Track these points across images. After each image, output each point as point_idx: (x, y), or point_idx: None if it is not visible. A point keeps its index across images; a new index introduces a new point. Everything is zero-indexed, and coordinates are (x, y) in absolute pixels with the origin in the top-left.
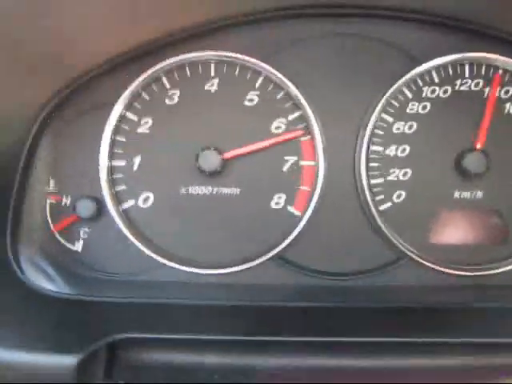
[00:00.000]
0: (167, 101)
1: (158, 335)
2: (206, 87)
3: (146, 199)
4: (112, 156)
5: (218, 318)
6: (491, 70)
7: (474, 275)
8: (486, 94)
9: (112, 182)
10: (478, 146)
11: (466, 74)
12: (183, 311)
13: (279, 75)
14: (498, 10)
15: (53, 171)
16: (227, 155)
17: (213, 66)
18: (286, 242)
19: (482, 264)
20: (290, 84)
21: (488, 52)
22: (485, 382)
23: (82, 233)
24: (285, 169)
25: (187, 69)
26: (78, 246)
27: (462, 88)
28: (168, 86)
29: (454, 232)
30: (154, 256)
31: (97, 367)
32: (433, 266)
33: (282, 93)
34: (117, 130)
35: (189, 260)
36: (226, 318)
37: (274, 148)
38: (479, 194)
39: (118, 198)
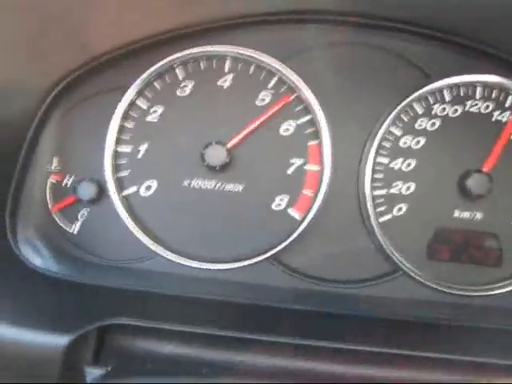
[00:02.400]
0: (178, 92)
1: (149, 324)
2: (219, 82)
3: (148, 188)
4: (118, 141)
5: (208, 311)
6: (502, 94)
7: (465, 295)
8: (494, 118)
9: (116, 167)
10: (485, 169)
11: (477, 96)
12: (174, 302)
13: (294, 77)
14: None
15: (58, 150)
16: (230, 144)
17: (228, 61)
18: (284, 244)
19: (475, 285)
20: (303, 87)
21: (502, 76)
22: None
23: (80, 215)
24: (290, 171)
25: (202, 62)
26: (75, 228)
27: (471, 109)
28: (181, 77)
29: (451, 250)
30: (150, 245)
31: (85, 350)
32: (426, 282)
33: (294, 95)
34: (126, 116)
35: (184, 252)
36: (217, 313)
37: (281, 149)
38: (479, 215)
39: (120, 184)
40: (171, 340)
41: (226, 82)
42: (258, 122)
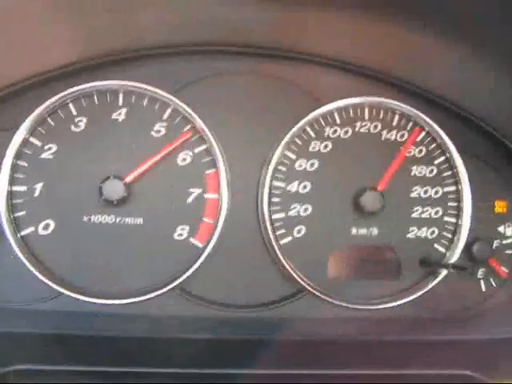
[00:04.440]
0: (73, 128)
1: (51, 367)
2: (114, 116)
3: (46, 226)
4: (12, 181)
5: (117, 348)
6: (388, 114)
7: (368, 309)
8: (383, 137)
9: (11, 208)
10: (380, 188)
11: (366, 117)
12: (80, 342)
13: (187, 108)
14: (397, 60)
15: None
16: (128, 179)
17: (121, 95)
18: (188, 273)
19: (377, 298)
20: (197, 118)
21: (387, 98)
22: None
23: None
24: (189, 201)
25: (95, 97)
26: None
27: (361, 130)
28: (75, 112)
29: (351, 267)
30: (52, 285)
31: None
32: (331, 299)
33: (189, 126)
34: (19, 155)
35: (88, 290)
36: (125, 350)
37: (179, 179)
38: (375, 231)
39: (16, 224)
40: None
41: (120, 115)
42: (156, 158)
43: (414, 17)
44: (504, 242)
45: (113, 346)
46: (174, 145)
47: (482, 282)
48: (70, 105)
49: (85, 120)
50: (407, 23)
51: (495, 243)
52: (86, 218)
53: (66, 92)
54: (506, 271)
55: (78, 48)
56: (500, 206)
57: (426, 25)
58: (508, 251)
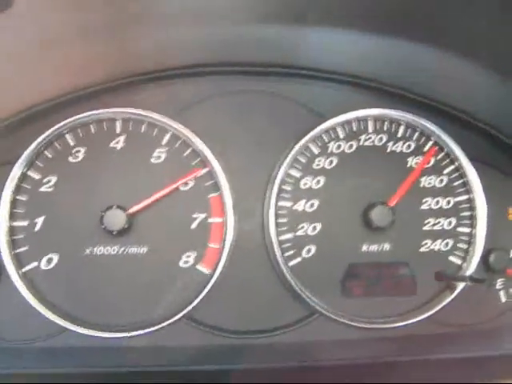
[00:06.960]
0: (71, 159)
1: None
2: (112, 144)
3: (49, 261)
4: (12, 216)
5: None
6: (393, 126)
7: (384, 328)
8: (389, 149)
9: (12, 244)
10: (390, 204)
11: (370, 130)
12: (88, 379)
13: (186, 132)
14: (398, 70)
15: None
16: (131, 210)
17: (118, 123)
18: (196, 301)
19: (392, 316)
20: (197, 140)
21: (390, 108)
22: None
23: None
24: (193, 226)
25: (91, 126)
26: None
27: (366, 143)
28: (72, 143)
29: (364, 285)
30: (57, 321)
31: None
32: (344, 320)
33: (189, 150)
34: (17, 189)
35: (94, 323)
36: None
37: (182, 205)
38: (387, 246)
39: (18, 260)
40: None
41: (118, 143)
42: (163, 193)
43: (414, 28)
44: None
45: (123, 380)
46: (184, 179)
47: (501, 293)
48: (67, 136)
49: (82, 150)
50: (406, 34)
51: None
52: (88, 250)
53: (61, 123)
54: None
55: (72, 77)
56: None
57: (427, 36)
58: None
